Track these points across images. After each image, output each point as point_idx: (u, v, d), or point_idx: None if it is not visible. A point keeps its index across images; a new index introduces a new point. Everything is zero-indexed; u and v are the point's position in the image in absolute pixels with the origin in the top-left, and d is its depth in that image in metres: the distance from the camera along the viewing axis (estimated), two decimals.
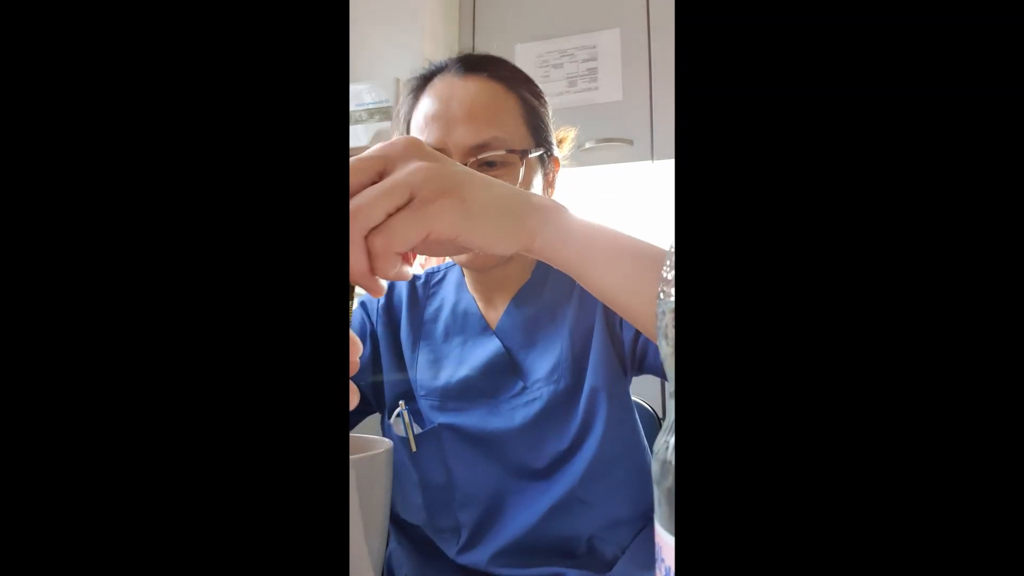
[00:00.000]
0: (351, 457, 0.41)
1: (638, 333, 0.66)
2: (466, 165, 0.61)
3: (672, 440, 0.22)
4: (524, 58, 1.64)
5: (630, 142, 1.56)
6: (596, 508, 0.65)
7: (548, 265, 0.46)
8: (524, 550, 0.65)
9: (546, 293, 0.70)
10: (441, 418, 0.68)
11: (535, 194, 0.42)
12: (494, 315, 0.71)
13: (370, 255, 0.33)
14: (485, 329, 0.70)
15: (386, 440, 0.47)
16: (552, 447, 0.66)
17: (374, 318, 0.75)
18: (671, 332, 0.21)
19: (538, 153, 0.66)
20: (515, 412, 0.66)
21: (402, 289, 0.76)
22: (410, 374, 0.71)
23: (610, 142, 1.55)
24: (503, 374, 0.68)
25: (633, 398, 0.72)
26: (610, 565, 0.66)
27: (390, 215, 0.34)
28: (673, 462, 0.21)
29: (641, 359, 0.67)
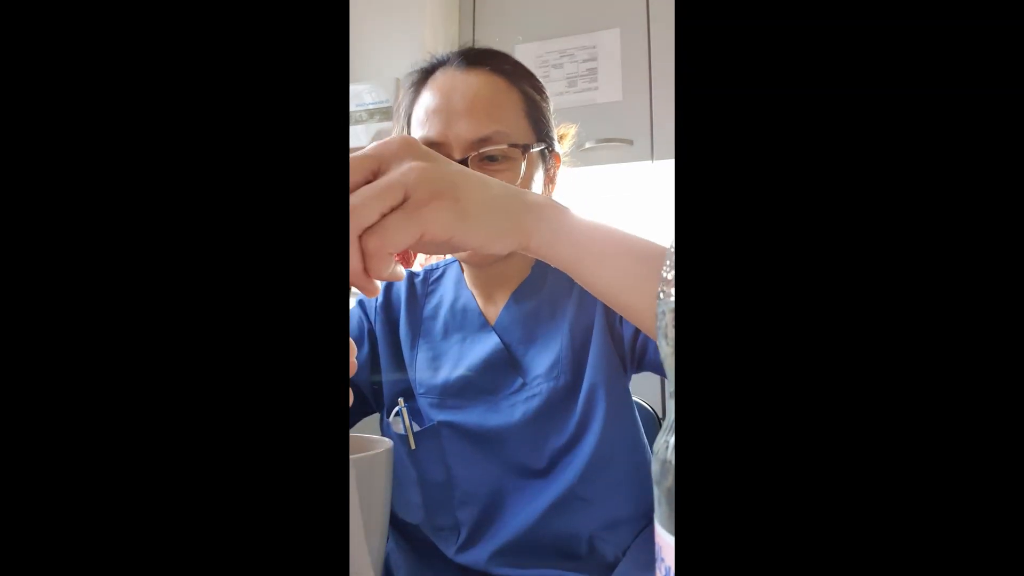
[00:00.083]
0: (351, 457, 0.41)
1: (638, 330, 0.65)
2: (467, 159, 0.61)
3: (672, 440, 0.22)
4: (524, 58, 1.63)
5: (630, 142, 1.56)
6: (596, 506, 0.65)
7: None
8: (524, 549, 0.65)
9: (546, 289, 0.70)
10: (440, 416, 0.68)
11: (531, 192, 0.42)
12: (493, 311, 0.71)
13: (364, 255, 0.33)
14: (484, 325, 0.70)
15: (386, 440, 0.47)
16: (551, 444, 0.66)
17: (372, 317, 0.75)
18: (671, 332, 0.21)
19: (540, 148, 0.66)
20: (514, 409, 0.66)
21: (401, 287, 0.76)
22: (409, 372, 0.71)
23: (610, 142, 1.55)
24: (502, 371, 0.68)
25: (633, 397, 0.72)
26: (611, 567, 0.66)
27: (384, 215, 0.34)
28: (673, 462, 0.21)
29: (641, 356, 0.67)
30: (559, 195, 0.73)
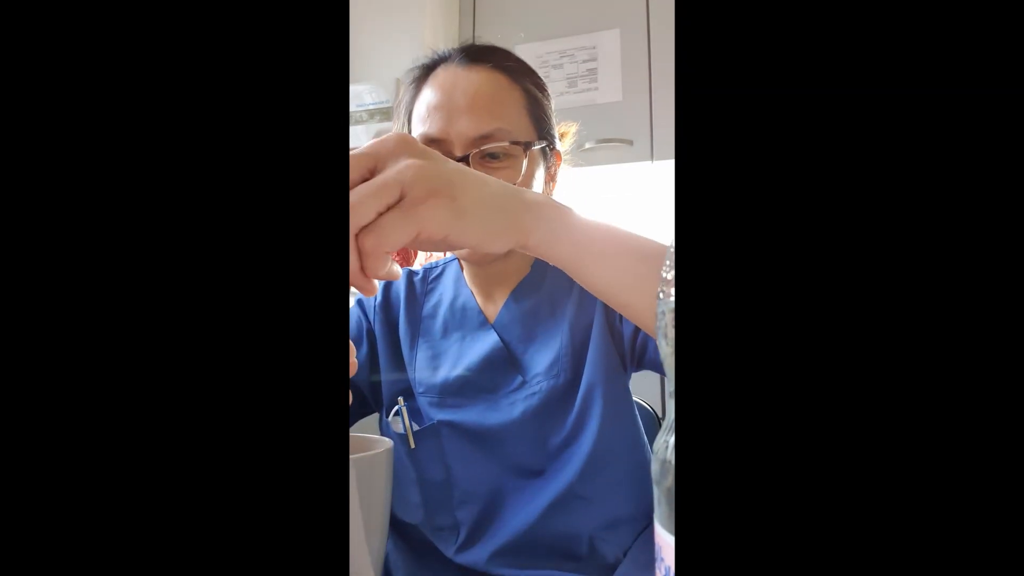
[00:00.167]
0: (351, 457, 0.41)
1: (638, 328, 0.65)
2: (469, 156, 0.61)
3: (672, 440, 0.22)
4: (524, 58, 1.63)
5: (630, 142, 1.56)
6: (595, 505, 0.64)
7: None
8: (524, 549, 0.65)
9: (546, 287, 0.70)
10: (440, 415, 0.68)
11: (530, 191, 0.42)
12: (493, 309, 0.71)
13: (360, 254, 0.33)
14: (484, 324, 0.70)
15: (386, 440, 0.47)
16: (551, 442, 0.66)
17: (371, 316, 0.75)
18: (671, 332, 0.21)
19: (541, 146, 0.66)
20: (514, 407, 0.66)
21: (400, 286, 0.75)
22: (409, 372, 0.71)
23: (610, 142, 1.55)
24: (502, 369, 0.67)
25: (633, 397, 0.72)
26: (612, 568, 0.65)
27: (380, 214, 0.34)
28: (673, 462, 0.21)
29: (641, 354, 0.66)
30: (559, 195, 0.73)
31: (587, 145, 1.54)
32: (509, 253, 0.67)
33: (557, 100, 0.71)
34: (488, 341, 0.68)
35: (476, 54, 0.65)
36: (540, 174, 0.67)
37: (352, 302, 0.77)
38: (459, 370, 0.68)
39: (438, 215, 0.35)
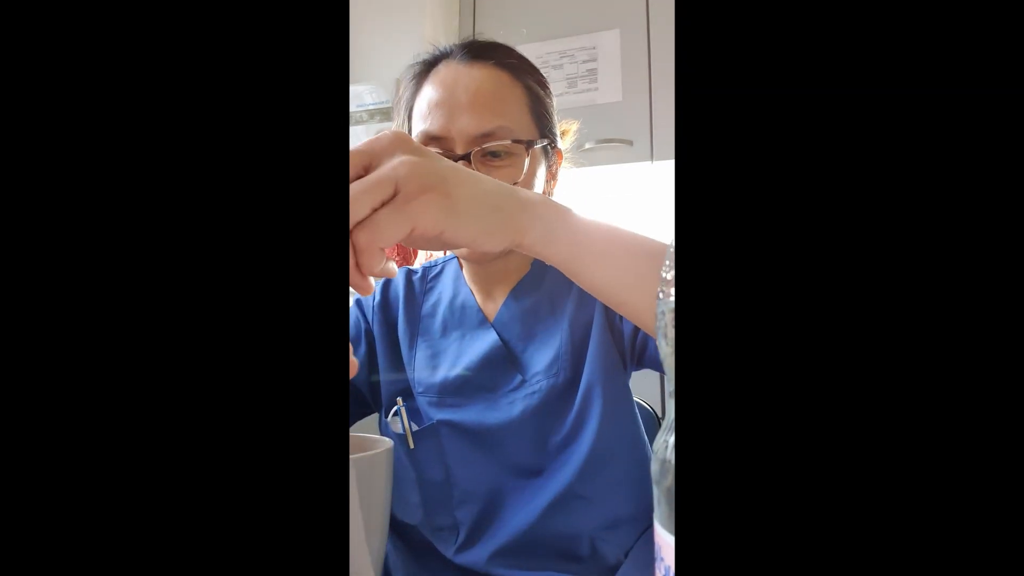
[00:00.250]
0: (351, 457, 0.41)
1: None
2: (470, 154, 0.60)
3: (672, 439, 0.22)
4: None
5: (630, 143, 1.56)
6: (595, 504, 0.64)
7: None
8: (524, 549, 0.64)
9: (545, 285, 0.69)
10: (439, 415, 0.67)
11: (524, 190, 0.42)
12: (492, 308, 0.70)
13: (355, 251, 0.33)
14: (483, 322, 0.70)
15: (386, 440, 0.47)
16: (550, 442, 0.66)
17: (370, 316, 0.75)
18: (671, 332, 0.21)
19: (543, 144, 0.65)
20: (513, 406, 0.66)
21: (399, 285, 0.75)
22: (408, 371, 0.71)
23: (610, 143, 1.55)
24: (501, 368, 0.67)
25: (633, 396, 0.72)
26: (613, 570, 0.65)
27: (375, 210, 0.34)
28: (673, 461, 0.21)
29: (641, 352, 0.66)
30: (559, 195, 0.73)
31: (587, 145, 1.54)
32: (508, 251, 0.67)
33: (557, 101, 0.70)
34: (487, 340, 0.68)
35: (478, 51, 0.65)
36: (542, 172, 0.67)
37: (350, 302, 0.77)
38: (458, 369, 0.68)
39: (432, 211, 0.35)
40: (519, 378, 0.67)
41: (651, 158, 1.56)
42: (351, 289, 0.35)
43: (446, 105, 0.62)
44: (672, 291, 0.21)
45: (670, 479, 0.21)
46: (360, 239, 0.33)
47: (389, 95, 1.54)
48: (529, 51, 0.69)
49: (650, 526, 0.68)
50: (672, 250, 0.22)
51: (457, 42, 0.67)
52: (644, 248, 0.41)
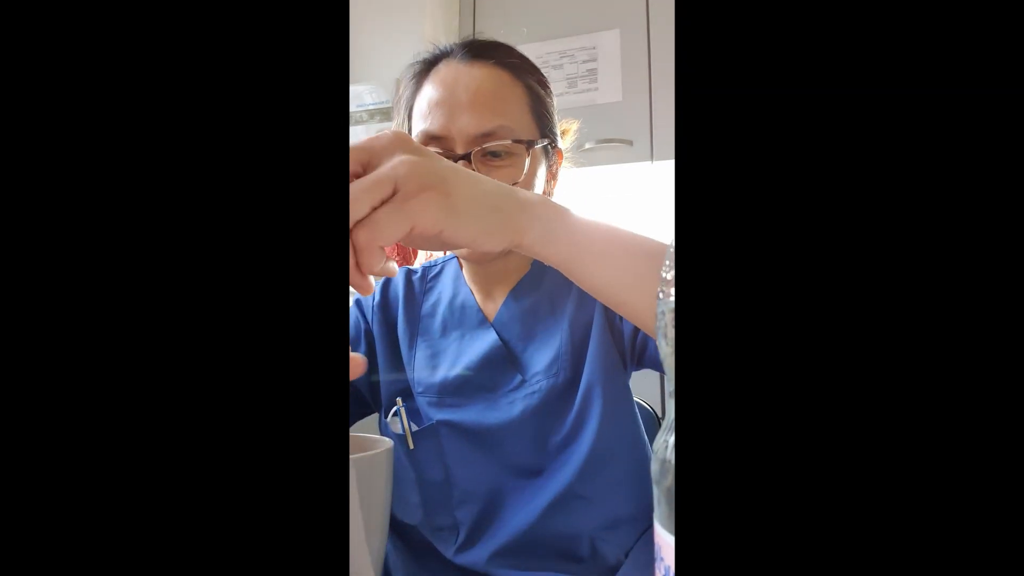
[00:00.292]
0: (351, 456, 0.41)
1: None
2: (470, 154, 0.60)
3: (672, 439, 0.22)
4: None
5: (630, 143, 1.56)
6: (595, 505, 0.64)
7: None
8: (524, 550, 0.64)
9: (545, 285, 0.69)
10: (439, 415, 0.67)
11: (523, 190, 0.42)
12: (492, 308, 0.70)
13: (355, 249, 0.33)
14: (483, 322, 0.69)
15: (386, 439, 0.47)
16: (550, 442, 0.66)
17: (369, 317, 0.75)
18: (671, 332, 0.21)
19: (543, 144, 0.65)
20: (513, 406, 0.66)
21: (398, 286, 0.75)
22: (407, 372, 0.71)
23: (610, 143, 1.55)
24: (501, 368, 0.67)
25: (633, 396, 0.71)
26: (613, 570, 0.65)
27: (375, 208, 0.34)
28: (673, 461, 0.21)
29: (641, 352, 0.66)
30: (559, 194, 0.73)
31: (587, 145, 1.54)
32: (508, 251, 0.67)
33: (557, 101, 0.70)
34: (487, 340, 0.68)
35: (478, 50, 0.65)
36: (542, 172, 0.67)
37: (350, 302, 0.77)
38: (458, 369, 0.68)
39: (431, 210, 0.35)
40: (519, 378, 0.67)
41: (651, 158, 1.56)
42: (351, 289, 0.35)
43: (446, 104, 0.61)
44: (672, 291, 0.21)
45: (670, 479, 0.21)
46: (360, 238, 0.33)
47: (389, 95, 1.54)
48: (529, 51, 0.69)
49: (650, 526, 0.68)
50: (672, 250, 0.22)
51: (457, 41, 0.67)
52: (643, 248, 0.41)
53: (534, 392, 0.66)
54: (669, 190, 1.64)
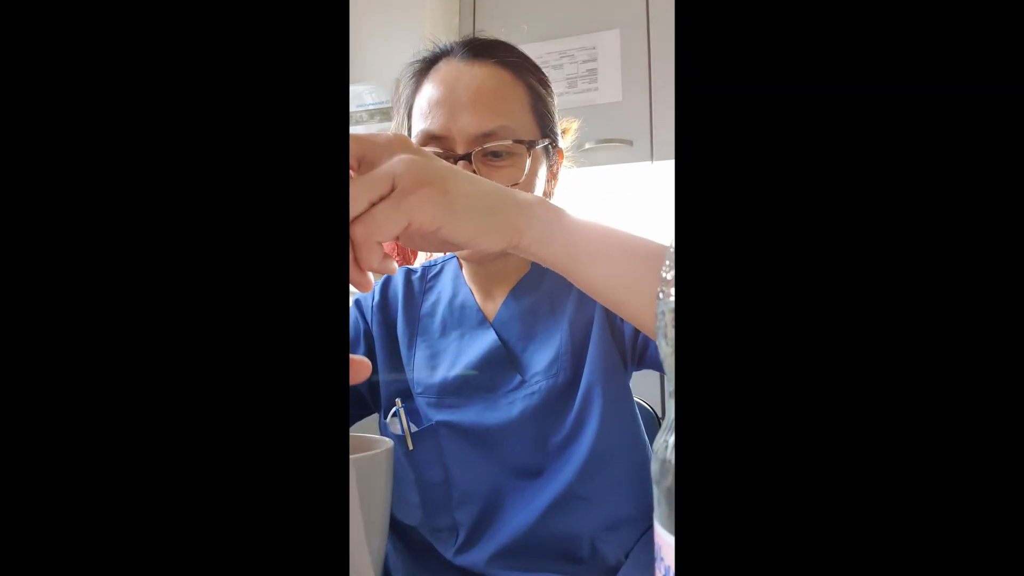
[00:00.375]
0: (351, 456, 0.41)
1: None
2: (471, 154, 0.60)
3: (672, 439, 0.22)
4: None
5: (630, 143, 1.56)
6: (595, 505, 0.64)
7: None
8: (524, 551, 0.64)
9: (545, 285, 0.69)
10: (438, 415, 0.67)
11: (521, 191, 0.42)
12: (492, 308, 0.70)
13: (352, 245, 0.33)
14: (483, 322, 0.69)
15: (386, 440, 0.47)
16: (550, 442, 0.65)
17: (369, 317, 0.74)
18: (671, 332, 0.21)
19: (544, 144, 0.65)
20: (513, 407, 0.65)
21: (398, 286, 0.75)
22: (407, 372, 0.70)
23: (610, 143, 1.55)
24: (501, 368, 0.67)
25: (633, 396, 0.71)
26: (614, 571, 0.65)
27: (373, 204, 0.34)
28: (673, 461, 0.21)
29: (642, 352, 0.66)
30: (559, 195, 0.73)
31: (587, 145, 1.54)
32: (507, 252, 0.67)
33: (557, 100, 0.70)
34: (487, 340, 0.68)
35: (479, 49, 0.64)
36: (542, 172, 0.66)
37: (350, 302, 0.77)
38: (458, 369, 0.68)
39: (428, 206, 0.35)
40: (518, 378, 0.67)
41: (651, 158, 1.56)
42: (350, 287, 0.35)
43: (447, 104, 0.61)
44: (672, 291, 0.21)
45: (670, 479, 0.21)
46: (357, 233, 0.33)
47: (389, 95, 1.54)
48: (529, 51, 0.69)
49: (650, 526, 0.68)
50: (672, 250, 0.22)
51: (457, 40, 0.67)
52: (640, 249, 0.41)
53: (534, 392, 0.65)
54: (669, 190, 1.64)
